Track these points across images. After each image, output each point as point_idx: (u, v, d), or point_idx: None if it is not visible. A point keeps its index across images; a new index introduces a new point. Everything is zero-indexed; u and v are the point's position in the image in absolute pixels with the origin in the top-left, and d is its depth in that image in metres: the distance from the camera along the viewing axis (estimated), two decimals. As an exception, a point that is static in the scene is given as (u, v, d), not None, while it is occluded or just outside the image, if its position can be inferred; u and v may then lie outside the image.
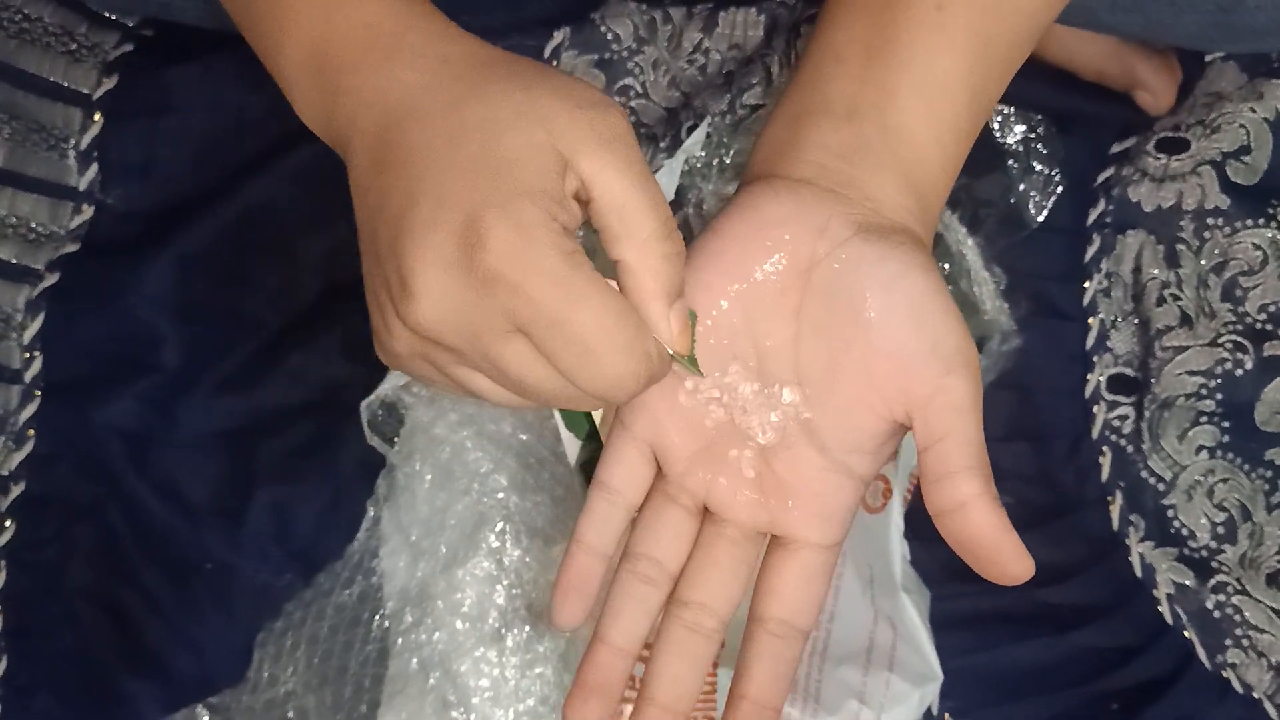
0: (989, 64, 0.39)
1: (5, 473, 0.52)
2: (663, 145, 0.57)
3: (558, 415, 0.51)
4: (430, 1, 0.39)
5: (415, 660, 0.48)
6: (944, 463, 0.35)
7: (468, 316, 0.34)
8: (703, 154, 0.57)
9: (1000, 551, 0.35)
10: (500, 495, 0.50)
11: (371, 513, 0.52)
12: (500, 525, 0.49)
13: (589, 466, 0.51)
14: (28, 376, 0.53)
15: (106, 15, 0.55)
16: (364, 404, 0.51)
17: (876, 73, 0.38)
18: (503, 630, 0.49)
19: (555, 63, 0.58)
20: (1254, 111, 0.57)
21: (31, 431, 0.53)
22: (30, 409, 0.53)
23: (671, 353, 0.36)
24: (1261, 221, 0.56)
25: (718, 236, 0.38)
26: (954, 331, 0.36)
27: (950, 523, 0.35)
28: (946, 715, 0.55)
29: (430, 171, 0.34)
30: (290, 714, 0.49)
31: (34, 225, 0.54)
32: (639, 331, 0.34)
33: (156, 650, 0.51)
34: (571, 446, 0.51)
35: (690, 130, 0.57)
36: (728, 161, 0.57)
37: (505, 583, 0.49)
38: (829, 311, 0.36)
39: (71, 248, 0.54)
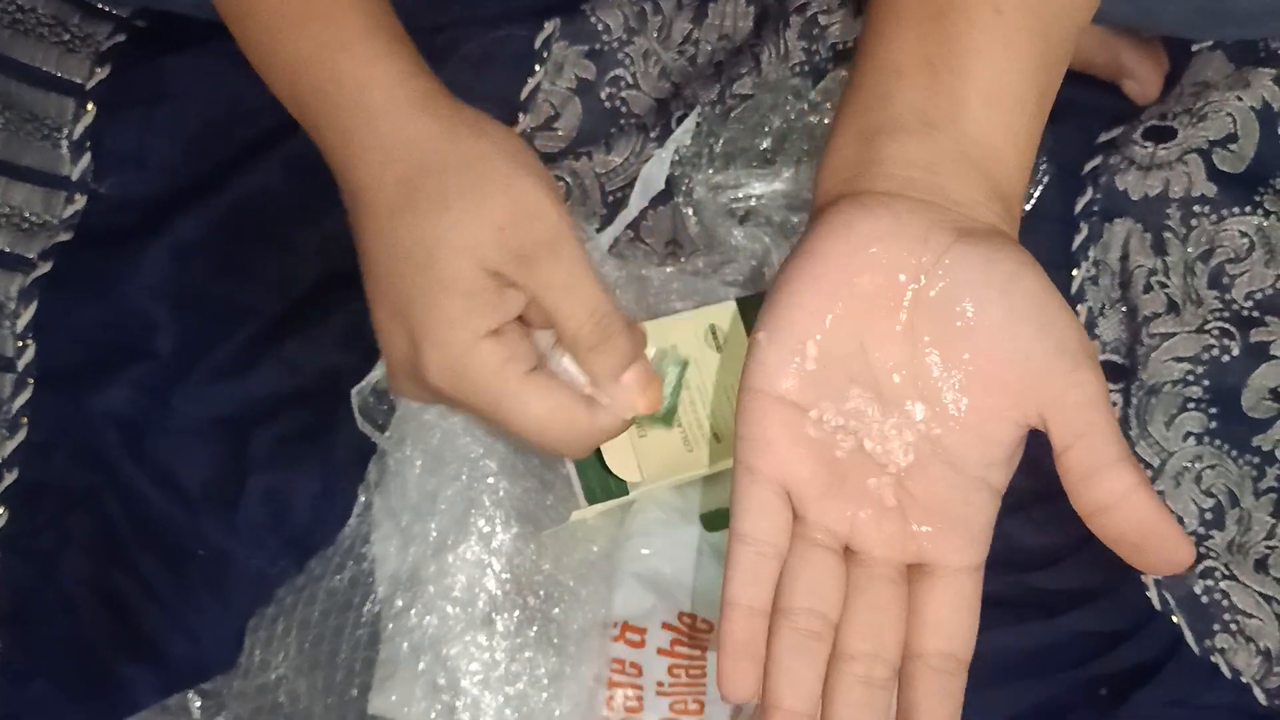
0: (1050, 62, 0.38)
1: (-1, 460, 0.53)
2: (653, 135, 0.58)
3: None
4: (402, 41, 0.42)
5: (406, 644, 0.49)
6: (1090, 459, 0.34)
7: (430, 398, 0.43)
8: (692, 144, 0.57)
9: (1166, 540, 0.34)
10: (490, 480, 0.50)
11: (363, 498, 0.52)
12: (490, 510, 0.49)
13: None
14: (21, 364, 0.53)
15: (99, 6, 0.55)
16: (354, 390, 0.51)
17: (945, 84, 0.37)
18: (493, 614, 0.49)
19: (546, 53, 0.59)
20: (1240, 100, 0.57)
21: (25, 419, 0.53)
22: (24, 397, 0.53)
23: (634, 416, 0.43)
24: (1248, 209, 0.57)
25: (813, 259, 0.36)
26: (1073, 326, 0.35)
27: (1109, 519, 0.34)
28: (936, 700, 0.55)
29: (382, 278, 0.42)
30: (282, 698, 0.49)
31: (27, 214, 0.54)
32: (572, 418, 0.41)
33: (151, 636, 0.52)
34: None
35: (680, 120, 0.58)
36: (717, 151, 0.57)
37: (495, 567, 0.49)
38: (944, 322, 0.35)
39: (64, 236, 0.54)
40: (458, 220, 0.39)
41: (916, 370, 0.36)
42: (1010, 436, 0.35)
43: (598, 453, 0.48)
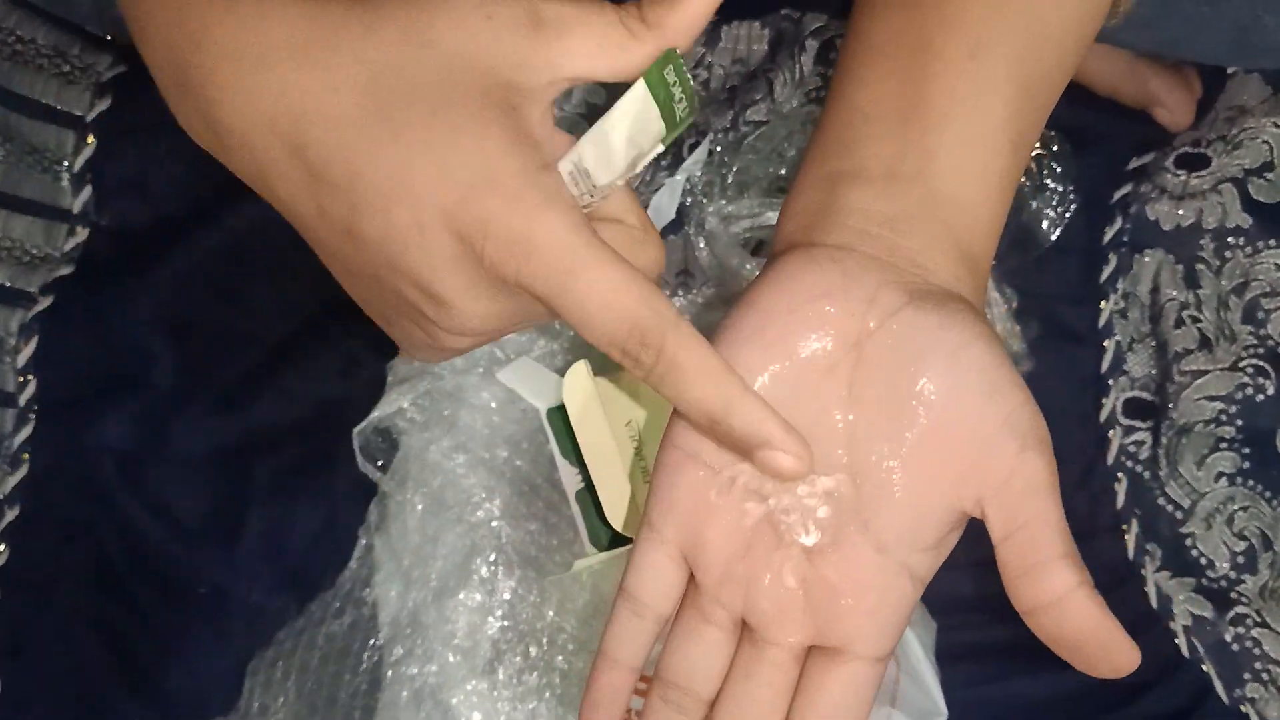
0: (1029, 108, 0.36)
1: (0, 497, 0.52)
2: (664, 164, 0.56)
3: (553, 444, 0.50)
4: None
5: (406, 692, 0.48)
6: (1030, 553, 0.32)
7: (503, 304, 0.33)
8: (704, 173, 0.56)
9: (1108, 646, 0.32)
10: (493, 524, 0.49)
11: (363, 540, 0.51)
12: (492, 555, 0.48)
13: (584, 495, 0.50)
14: (22, 400, 0.53)
15: (100, 36, 0.54)
16: (356, 430, 0.50)
17: (914, 132, 0.35)
18: (495, 662, 0.48)
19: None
20: (1278, 127, 0.55)
21: (27, 455, 0.53)
22: (25, 432, 0.53)
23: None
24: (1285, 241, 0.54)
25: (755, 311, 0.34)
26: (1026, 405, 0.33)
27: (1045, 619, 0.32)
28: (953, 748, 0.54)
29: (388, 179, 0.31)
30: (280, 745, 0.49)
31: (28, 247, 0.53)
32: (638, 300, 0.31)
33: (151, 671, 0.51)
34: (568, 474, 0.50)
35: (692, 148, 0.56)
36: (729, 181, 0.55)
37: (497, 614, 0.48)
38: (886, 389, 0.33)
39: (65, 270, 0.53)
40: (443, 48, 0.31)
41: (851, 439, 0.33)
42: (943, 519, 0.33)
43: (599, 507, 0.47)
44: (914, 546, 0.33)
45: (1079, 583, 0.32)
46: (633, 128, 0.33)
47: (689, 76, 0.33)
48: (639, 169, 0.34)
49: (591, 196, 0.34)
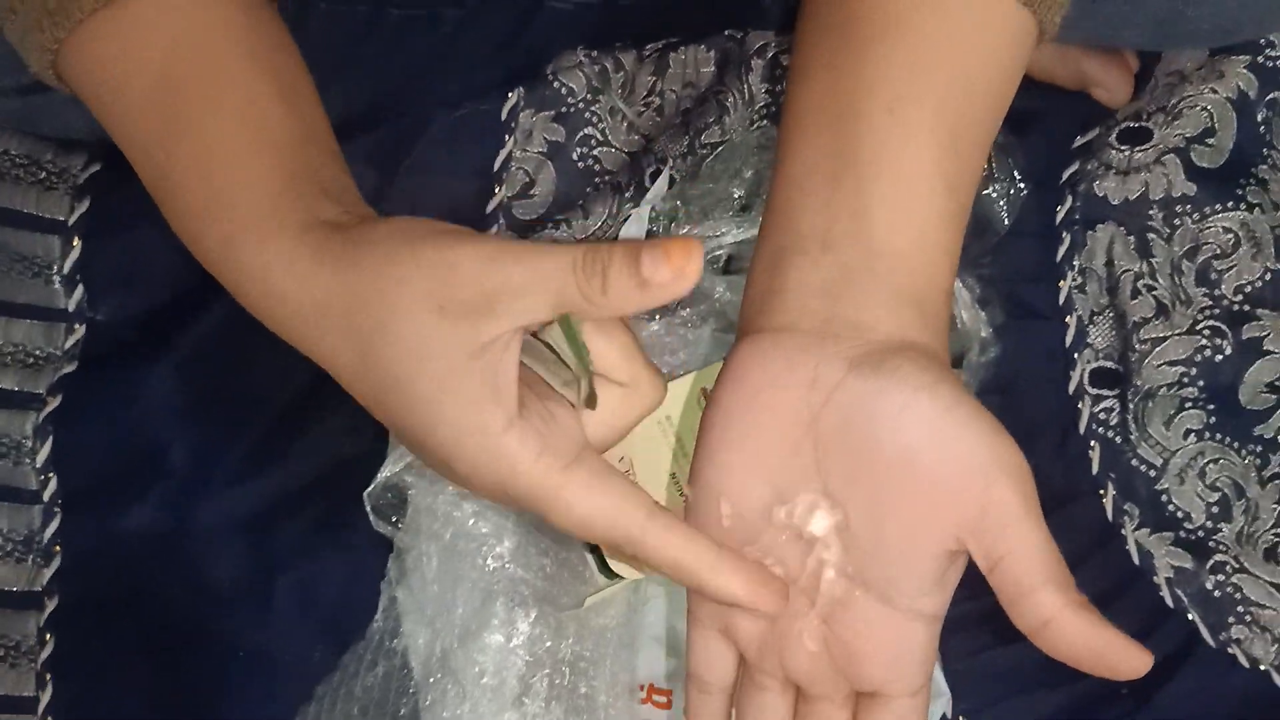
0: (959, 149, 0.37)
1: (39, 588, 0.55)
2: (628, 195, 0.58)
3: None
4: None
5: (443, 733, 0.51)
6: (1014, 583, 0.34)
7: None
8: (666, 200, 0.57)
9: (1107, 656, 0.34)
10: (506, 566, 0.52)
11: (386, 594, 0.54)
12: (507, 597, 0.51)
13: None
14: (46, 496, 0.55)
15: (71, 138, 0.56)
16: (366, 493, 0.52)
17: (844, 197, 0.36)
18: (523, 696, 0.51)
19: (514, 123, 0.59)
20: (1215, 92, 0.57)
21: (58, 547, 0.55)
22: (54, 525, 0.55)
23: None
24: (1230, 204, 0.56)
25: (719, 411, 0.37)
26: (983, 441, 0.34)
27: (1043, 641, 0.34)
28: (961, 718, 0.57)
29: (397, 430, 0.37)
30: (332, 795, 0.52)
31: (31, 350, 0.56)
32: (619, 510, 0.36)
33: (204, 739, 0.54)
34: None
35: (654, 176, 0.58)
36: (692, 207, 0.57)
37: (520, 650, 0.51)
38: (849, 458, 0.35)
39: (69, 368, 0.56)
40: (404, 342, 0.35)
41: (831, 510, 0.36)
42: (936, 563, 0.35)
43: (600, 554, 0.50)
44: (916, 592, 0.35)
45: (1064, 604, 0.34)
46: (566, 354, 0.37)
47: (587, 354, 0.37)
48: (590, 400, 0.37)
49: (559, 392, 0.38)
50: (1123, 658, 0.34)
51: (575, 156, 0.59)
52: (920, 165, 0.36)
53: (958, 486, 0.34)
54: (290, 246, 0.36)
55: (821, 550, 0.36)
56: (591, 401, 0.37)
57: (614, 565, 0.50)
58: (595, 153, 0.59)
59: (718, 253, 0.58)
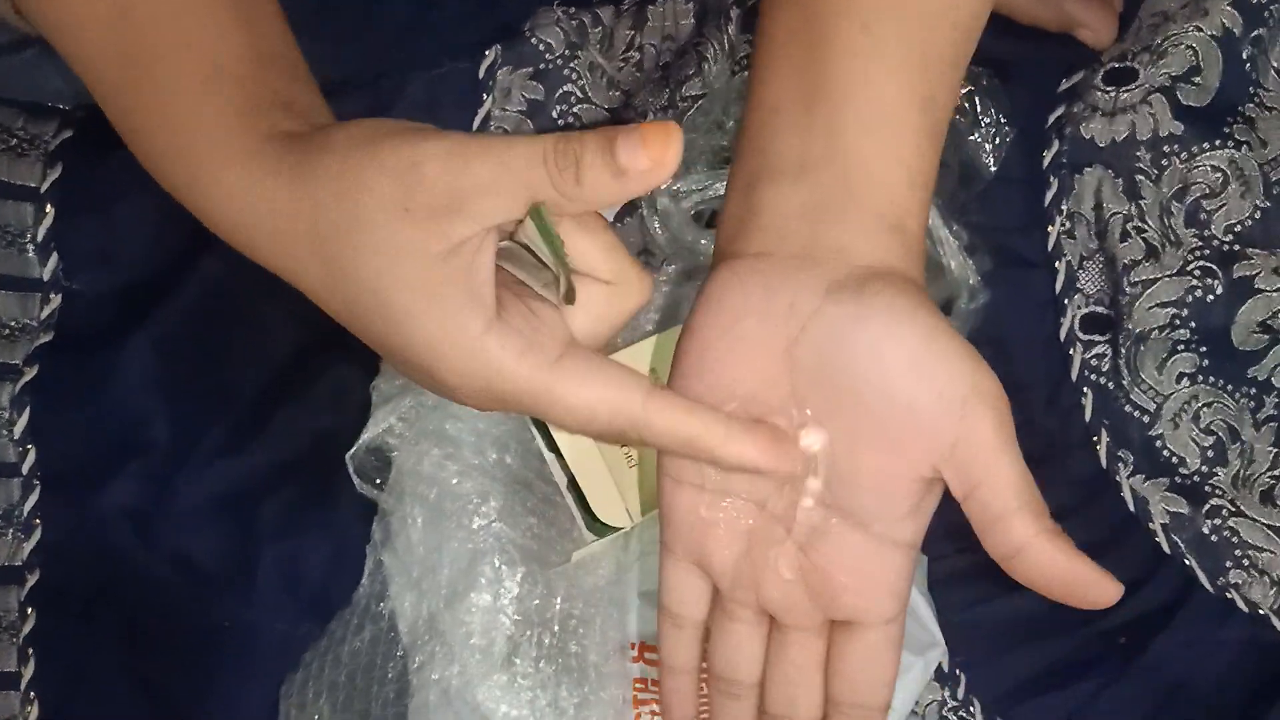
0: (934, 70, 0.36)
1: (19, 563, 0.54)
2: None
3: (539, 440, 0.52)
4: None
5: (433, 695, 0.50)
6: (988, 510, 0.34)
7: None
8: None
9: (1076, 584, 0.34)
10: (492, 525, 0.51)
11: (372, 558, 0.53)
12: (495, 556, 0.50)
13: (574, 487, 0.52)
14: (25, 468, 0.54)
15: (43, 104, 0.55)
16: (349, 455, 0.52)
17: (820, 118, 0.36)
18: (512, 656, 0.50)
19: (491, 82, 0.58)
20: (1200, 30, 0.56)
21: (38, 520, 0.54)
22: (33, 499, 0.54)
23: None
24: (1218, 143, 0.56)
25: (694, 339, 0.37)
26: (961, 369, 0.34)
27: (1015, 568, 0.35)
28: (958, 670, 0.56)
29: (375, 342, 0.36)
30: (323, 760, 0.51)
31: (6, 320, 0.55)
32: (619, 395, 0.35)
33: (190, 714, 0.53)
34: (556, 467, 0.52)
35: (633, 131, 0.57)
36: (673, 159, 0.56)
37: (509, 610, 0.50)
38: (825, 386, 0.35)
39: (46, 338, 0.55)
40: (373, 247, 0.34)
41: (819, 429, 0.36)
42: (911, 490, 0.35)
43: (587, 508, 0.49)
44: (892, 518, 0.36)
45: (1037, 531, 0.34)
46: (541, 250, 0.35)
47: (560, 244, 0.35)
48: (570, 295, 0.36)
49: (537, 294, 0.37)
50: (1093, 587, 0.35)
51: (555, 114, 0.58)
52: (896, 86, 0.36)
53: (935, 415, 0.34)
54: (250, 166, 0.35)
55: (812, 471, 0.36)
56: (570, 296, 0.35)
57: (603, 517, 0.49)
58: (575, 110, 0.59)
59: (701, 206, 0.57)
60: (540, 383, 0.34)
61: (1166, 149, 0.56)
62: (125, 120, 0.38)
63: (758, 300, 0.35)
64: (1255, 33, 0.56)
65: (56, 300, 0.55)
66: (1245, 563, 0.55)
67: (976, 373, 0.35)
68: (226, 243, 0.38)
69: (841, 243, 0.35)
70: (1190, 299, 0.56)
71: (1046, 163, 0.58)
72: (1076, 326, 0.58)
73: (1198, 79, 0.56)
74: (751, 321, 0.35)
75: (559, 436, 0.49)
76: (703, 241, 0.56)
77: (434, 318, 0.33)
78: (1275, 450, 0.56)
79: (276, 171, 0.34)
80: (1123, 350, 0.57)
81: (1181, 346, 0.56)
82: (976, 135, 0.57)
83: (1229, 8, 0.56)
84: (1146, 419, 0.57)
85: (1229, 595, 0.56)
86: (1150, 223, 0.57)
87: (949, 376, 0.34)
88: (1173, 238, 0.56)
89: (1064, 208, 0.58)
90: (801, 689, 0.38)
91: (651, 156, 0.32)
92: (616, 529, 0.49)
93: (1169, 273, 0.56)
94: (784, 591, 0.37)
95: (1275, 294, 0.54)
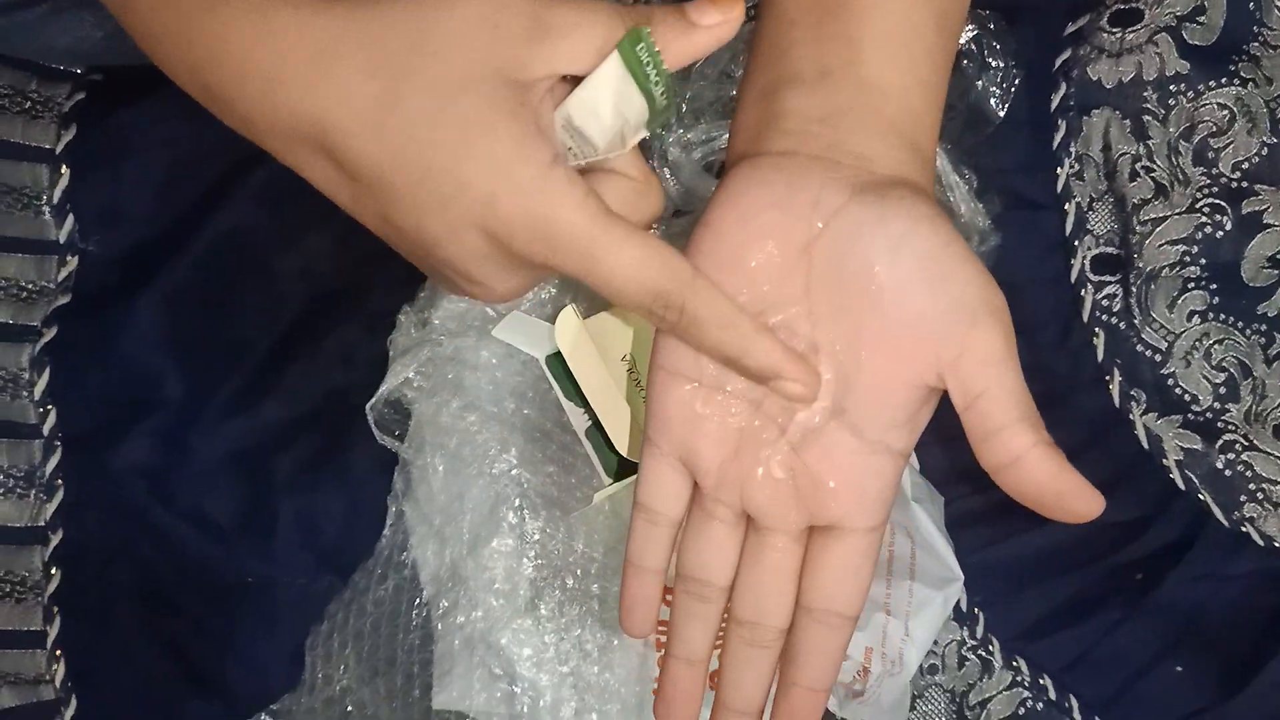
0: None
1: (42, 523, 0.55)
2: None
3: (557, 388, 0.52)
4: None
5: (458, 640, 0.51)
6: (988, 420, 0.34)
7: (534, 275, 0.37)
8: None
9: (1066, 496, 0.34)
10: (513, 473, 0.51)
11: (393, 508, 0.54)
12: (517, 501, 0.51)
13: (593, 432, 0.52)
14: (46, 429, 0.55)
15: (55, 67, 0.55)
16: (368, 406, 0.52)
17: (837, 28, 0.36)
18: (535, 600, 0.51)
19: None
20: (1203, -31, 0.56)
21: (60, 480, 0.55)
22: (55, 459, 0.55)
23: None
24: (1224, 80, 0.56)
25: (710, 231, 0.37)
26: (973, 281, 0.34)
27: (1008, 478, 0.35)
28: (976, 609, 0.57)
29: (414, 186, 0.34)
30: (350, 708, 0.52)
31: (23, 284, 0.55)
32: (659, 270, 0.34)
33: (213, 670, 0.54)
34: (575, 415, 0.53)
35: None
36: (684, 109, 0.57)
37: (531, 554, 0.51)
38: (838, 286, 0.35)
39: (63, 300, 0.55)
40: (450, 60, 0.32)
41: (815, 336, 0.36)
42: (910, 398, 0.35)
43: (608, 440, 0.49)
44: (888, 425, 0.36)
45: (1034, 441, 0.34)
46: (616, 97, 0.34)
47: (663, 64, 0.34)
48: (630, 145, 0.36)
49: (588, 158, 0.36)
50: (1082, 500, 0.35)
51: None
52: (912, 1, 0.36)
53: (945, 321, 0.34)
54: None
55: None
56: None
57: (626, 453, 0.49)
58: (583, 64, 0.59)
59: (711, 158, 0.58)
60: (598, 229, 0.33)
61: (1173, 88, 0.56)
62: (129, 3, 0.35)
63: (780, 193, 0.35)
64: (1259, -29, 0.56)
65: (73, 263, 0.56)
66: (1260, 496, 0.56)
67: (987, 286, 0.35)
68: (236, 100, 0.34)
69: (862, 150, 0.36)
70: (1200, 236, 0.56)
71: (1054, 105, 0.58)
72: (1087, 268, 0.58)
73: (1202, 18, 0.56)
74: (773, 214, 0.35)
75: (581, 378, 0.49)
76: (714, 188, 0.56)
77: (509, 136, 0.32)
78: (1288, 385, 0.56)
79: (331, 1, 0.33)
80: (1133, 289, 0.57)
81: (1192, 284, 0.56)
82: (983, 79, 0.57)
83: (1232, -54, 0.56)
84: (1158, 357, 0.57)
85: (1244, 529, 0.56)
86: (1158, 162, 0.57)
87: (962, 286, 0.34)
88: (1181, 176, 0.57)
89: (1072, 150, 0.58)
90: (773, 595, 0.38)
91: (720, 10, 0.34)
92: (636, 466, 0.50)
93: (1178, 211, 0.56)
94: (770, 493, 0.37)
95: (1284, 229, 0.55)
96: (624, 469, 0.51)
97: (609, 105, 0.34)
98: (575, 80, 0.34)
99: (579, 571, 0.51)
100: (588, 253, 0.34)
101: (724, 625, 0.40)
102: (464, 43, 0.32)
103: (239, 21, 0.33)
